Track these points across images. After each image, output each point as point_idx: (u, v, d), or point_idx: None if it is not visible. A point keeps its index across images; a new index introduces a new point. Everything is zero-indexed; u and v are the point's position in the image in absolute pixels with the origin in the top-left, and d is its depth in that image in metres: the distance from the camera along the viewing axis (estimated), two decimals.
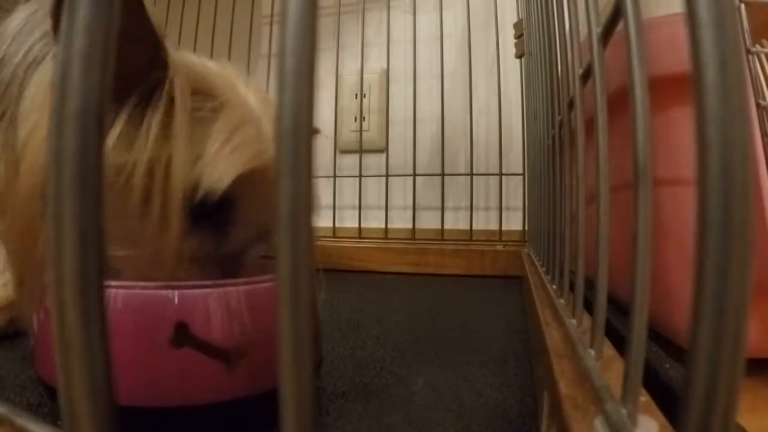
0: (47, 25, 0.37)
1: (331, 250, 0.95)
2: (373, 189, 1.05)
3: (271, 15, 1.12)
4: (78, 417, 0.09)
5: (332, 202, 1.04)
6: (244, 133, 0.32)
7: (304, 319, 0.08)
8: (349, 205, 1.04)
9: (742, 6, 0.37)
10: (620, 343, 0.21)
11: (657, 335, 0.39)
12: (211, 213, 0.32)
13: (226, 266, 0.33)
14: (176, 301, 0.26)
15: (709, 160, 0.09)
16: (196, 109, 0.31)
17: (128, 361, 0.25)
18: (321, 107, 1.04)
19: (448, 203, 1.00)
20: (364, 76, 1.04)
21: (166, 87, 0.30)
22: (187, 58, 0.33)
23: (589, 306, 0.25)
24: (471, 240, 0.95)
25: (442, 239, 0.96)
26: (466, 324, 0.54)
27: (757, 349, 0.34)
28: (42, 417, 0.29)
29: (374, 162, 1.05)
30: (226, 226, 0.33)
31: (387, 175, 1.00)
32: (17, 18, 0.39)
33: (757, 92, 0.36)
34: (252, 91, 0.35)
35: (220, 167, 0.31)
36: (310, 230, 0.08)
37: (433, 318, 0.56)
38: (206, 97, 0.32)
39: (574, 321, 0.29)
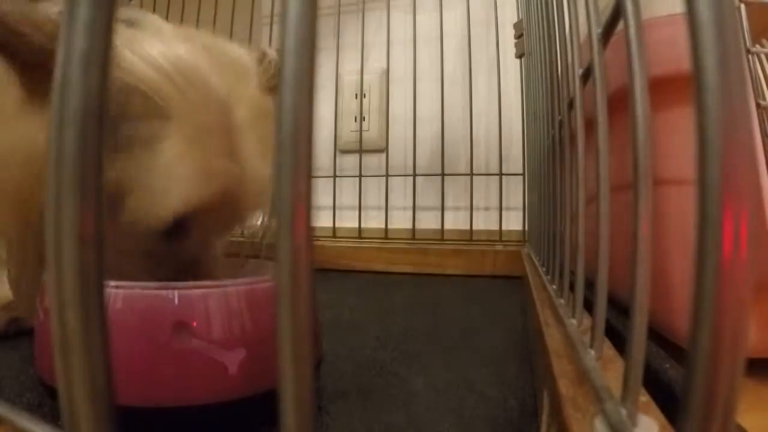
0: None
1: (331, 251, 0.95)
2: (373, 189, 1.05)
3: (271, 15, 1.12)
4: (78, 417, 0.09)
5: (332, 202, 1.04)
6: (199, 149, 0.28)
7: (304, 318, 0.08)
8: (349, 206, 1.04)
9: (742, 6, 0.37)
10: (620, 343, 0.21)
11: (657, 335, 0.39)
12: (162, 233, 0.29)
13: (182, 264, 0.32)
14: (176, 301, 0.26)
15: (709, 160, 0.09)
16: (133, 112, 0.27)
17: (128, 361, 0.25)
18: (321, 107, 1.04)
19: (448, 203, 1.00)
20: (364, 76, 1.04)
21: None
22: (138, 43, 0.28)
23: (589, 306, 0.25)
24: (471, 240, 0.95)
25: (442, 239, 0.96)
26: (466, 324, 0.54)
27: (757, 349, 0.34)
28: (42, 417, 0.29)
29: (374, 162, 1.05)
30: (183, 232, 0.31)
31: (387, 175, 1.00)
32: None
33: (757, 92, 0.36)
34: (220, 69, 0.30)
35: (169, 200, 0.27)
36: (310, 231, 0.08)
37: (433, 318, 0.56)
38: (150, 100, 0.27)
39: (574, 321, 0.29)
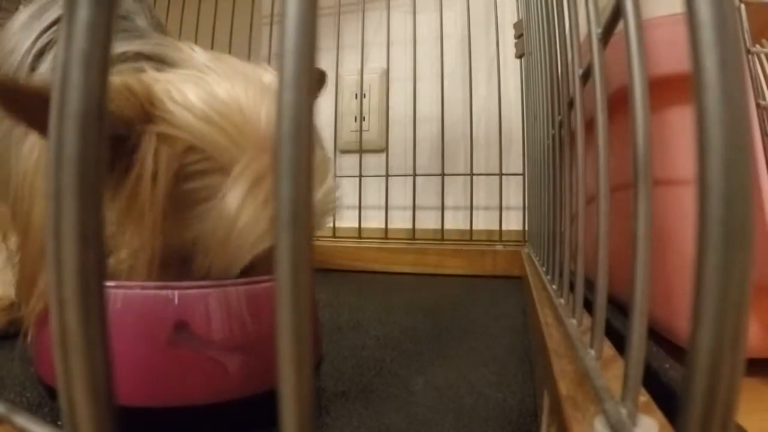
0: (52, 16, 0.38)
1: (331, 250, 0.95)
2: (373, 189, 1.05)
3: (271, 15, 1.12)
4: (78, 417, 0.09)
5: None
6: (259, 194, 0.28)
7: (304, 319, 0.08)
8: (349, 205, 1.04)
9: (742, 6, 0.37)
10: (620, 343, 0.21)
11: (657, 335, 0.39)
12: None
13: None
14: (176, 301, 0.26)
15: (710, 160, 0.09)
16: (196, 175, 0.28)
17: (128, 361, 0.25)
18: (321, 107, 1.04)
19: (448, 203, 1.00)
20: (364, 76, 1.04)
21: (151, 150, 0.26)
22: (181, 95, 0.29)
23: (589, 306, 0.25)
24: (471, 240, 0.95)
25: (442, 239, 0.96)
26: (466, 324, 0.54)
27: (757, 349, 0.34)
28: (42, 417, 0.29)
29: (374, 162, 1.05)
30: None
31: (387, 175, 1.00)
32: (23, 14, 0.39)
33: (757, 92, 0.36)
34: (262, 106, 0.30)
35: (239, 251, 0.28)
36: (310, 230, 0.08)
37: (433, 318, 0.56)
38: (206, 156, 0.28)
39: (574, 321, 0.29)
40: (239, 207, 0.28)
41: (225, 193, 0.28)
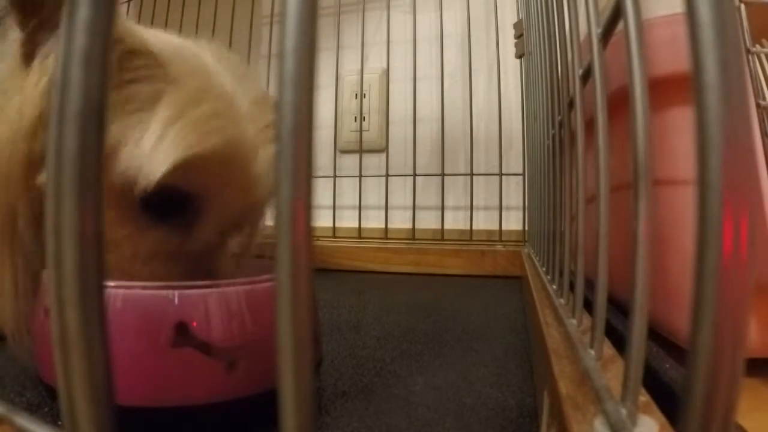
0: None
1: (331, 250, 0.95)
2: (373, 189, 1.05)
3: (271, 15, 1.12)
4: (78, 417, 0.09)
5: (332, 202, 1.04)
6: (197, 109, 0.27)
7: (304, 319, 0.08)
8: (349, 205, 1.04)
9: (742, 6, 0.37)
10: (620, 343, 0.21)
11: (657, 335, 0.39)
12: (170, 205, 0.28)
13: (197, 262, 0.30)
14: (176, 301, 0.26)
15: (710, 160, 0.09)
16: (135, 75, 0.27)
17: (128, 361, 0.25)
18: (321, 107, 1.04)
19: (448, 203, 1.00)
20: (364, 76, 1.04)
21: None
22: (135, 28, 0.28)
23: (589, 306, 0.25)
24: (471, 240, 0.95)
25: (442, 239, 0.96)
26: (466, 324, 0.54)
27: (757, 349, 0.34)
28: (42, 417, 0.29)
29: (374, 162, 1.05)
30: (191, 219, 0.30)
31: (387, 175, 1.00)
32: None
33: (757, 92, 0.36)
34: (224, 65, 0.31)
35: (158, 156, 0.26)
36: (309, 230, 0.08)
37: (433, 318, 0.56)
38: (150, 63, 0.27)
39: (574, 321, 0.29)
40: (174, 111, 0.27)
41: (163, 98, 0.27)
